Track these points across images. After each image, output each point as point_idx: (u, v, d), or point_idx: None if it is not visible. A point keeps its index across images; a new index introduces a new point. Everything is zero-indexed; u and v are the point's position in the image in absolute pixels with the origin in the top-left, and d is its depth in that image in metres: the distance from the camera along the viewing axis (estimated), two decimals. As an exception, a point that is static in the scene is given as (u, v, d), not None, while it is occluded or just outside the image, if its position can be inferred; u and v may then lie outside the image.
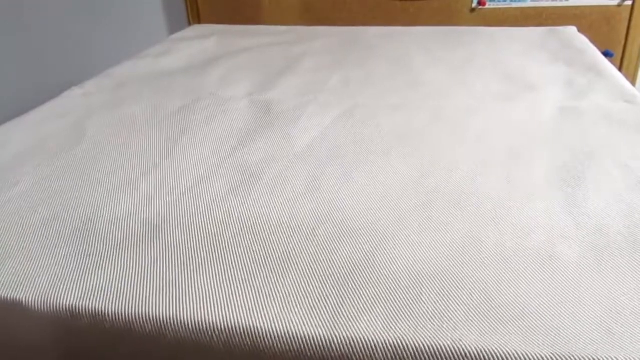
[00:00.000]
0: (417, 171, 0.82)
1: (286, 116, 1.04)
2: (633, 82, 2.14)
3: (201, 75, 1.31)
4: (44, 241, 0.69)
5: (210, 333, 0.54)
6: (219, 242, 0.67)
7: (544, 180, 0.79)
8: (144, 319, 0.56)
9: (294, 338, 0.53)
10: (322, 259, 0.63)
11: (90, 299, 0.58)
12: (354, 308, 0.55)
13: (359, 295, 0.57)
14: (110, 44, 2.05)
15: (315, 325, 0.53)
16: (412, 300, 0.56)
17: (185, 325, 0.55)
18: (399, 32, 1.66)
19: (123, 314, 0.56)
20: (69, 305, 0.58)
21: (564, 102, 1.08)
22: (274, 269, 0.62)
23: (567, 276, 0.59)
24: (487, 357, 0.49)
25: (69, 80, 1.42)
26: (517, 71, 1.27)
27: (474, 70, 1.29)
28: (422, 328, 0.52)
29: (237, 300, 0.57)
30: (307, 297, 0.57)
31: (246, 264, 0.63)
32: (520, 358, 0.49)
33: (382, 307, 0.55)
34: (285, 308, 0.56)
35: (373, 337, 0.52)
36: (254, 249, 0.65)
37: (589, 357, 0.49)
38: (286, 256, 0.64)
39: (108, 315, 0.57)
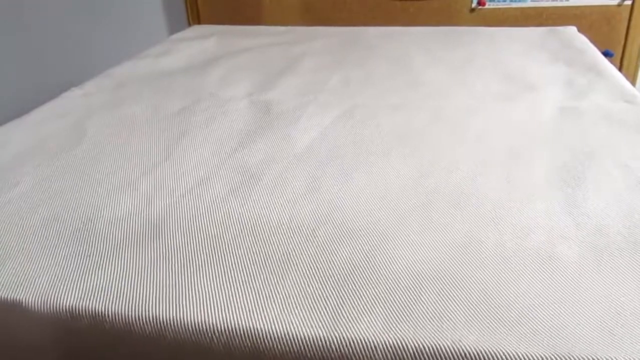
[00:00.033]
0: (417, 171, 0.82)
1: (286, 116, 1.04)
2: (633, 82, 2.14)
3: (201, 76, 1.31)
4: (43, 241, 0.69)
5: (210, 334, 0.54)
6: (219, 243, 0.67)
7: (544, 180, 0.79)
8: (144, 320, 0.56)
9: (294, 339, 0.53)
10: (322, 260, 0.63)
11: (90, 300, 0.58)
12: (354, 309, 0.55)
13: (359, 296, 0.57)
14: (110, 44, 2.05)
15: (315, 326, 0.53)
16: (412, 301, 0.56)
17: (185, 327, 0.55)
18: (398, 32, 1.66)
19: (123, 315, 0.56)
20: (68, 305, 0.58)
21: (564, 102, 1.08)
22: (273, 270, 0.62)
23: (567, 276, 0.59)
24: (486, 358, 0.49)
25: (69, 80, 1.42)
26: (517, 71, 1.27)
27: (473, 70, 1.29)
28: (421, 329, 0.52)
29: (237, 302, 0.57)
30: (307, 298, 0.57)
31: (246, 265, 0.63)
32: (519, 358, 0.49)
33: (382, 308, 0.55)
34: (285, 309, 0.56)
35: (373, 337, 0.52)
36: (254, 250, 0.65)
37: (589, 357, 0.49)
38: (286, 257, 0.64)
39: (108, 316, 0.57)
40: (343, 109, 1.07)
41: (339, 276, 0.60)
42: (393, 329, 0.53)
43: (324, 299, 0.57)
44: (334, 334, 0.52)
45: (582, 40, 1.50)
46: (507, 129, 0.96)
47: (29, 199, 0.78)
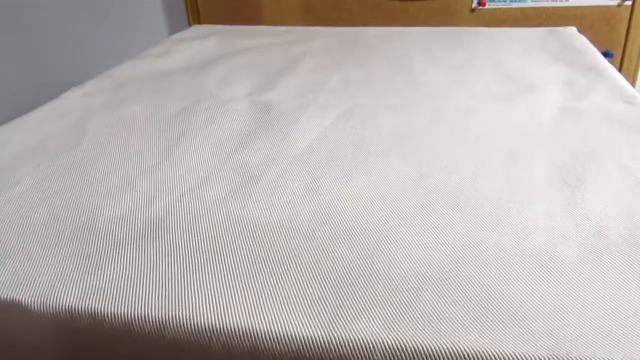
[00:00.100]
0: (417, 172, 0.82)
1: (286, 117, 1.04)
2: (633, 83, 2.14)
3: (201, 76, 1.31)
4: (43, 241, 0.69)
5: (209, 334, 0.54)
6: (219, 243, 0.67)
7: (544, 180, 0.79)
8: (143, 320, 0.56)
9: (292, 339, 0.53)
10: (321, 261, 0.63)
11: (89, 300, 0.58)
12: (353, 309, 0.55)
13: (358, 296, 0.57)
14: (110, 44, 2.05)
15: (314, 327, 0.53)
16: (411, 302, 0.56)
17: (184, 327, 0.55)
18: (398, 32, 1.66)
19: (122, 315, 0.56)
20: (68, 305, 0.58)
21: (564, 103, 1.08)
22: (273, 270, 0.62)
23: (567, 277, 0.59)
24: (485, 359, 0.49)
25: (69, 80, 1.42)
26: (517, 71, 1.27)
27: (473, 70, 1.29)
28: (420, 329, 0.52)
29: (236, 302, 0.57)
30: (306, 298, 0.57)
31: (245, 266, 0.63)
32: (518, 359, 0.49)
33: (380, 308, 0.55)
34: (284, 309, 0.56)
35: (372, 338, 0.52)
36: (254, 251, 0.65)
37: (589, 358, 0.49)
38: (285, 257, 0.64)
39: (107, 316, 0.57)
40: (343, 110, 1.07)
41: (338, 277, 0.60)
42: (392, 329, 0.53)
43: (323, 299, 0.57)
44: (332, 334, 0.53)
45: (582, 41, 1.50)
46: (507, 130, 0.97)
47: (29, 199, 0.78)
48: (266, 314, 0.55)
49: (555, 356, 0.49)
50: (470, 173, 0.82)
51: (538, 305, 0.55)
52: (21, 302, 0.59)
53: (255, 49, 1.53)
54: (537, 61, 1.34)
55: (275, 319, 0.55)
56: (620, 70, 2.11)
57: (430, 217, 0.71)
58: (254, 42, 1.60)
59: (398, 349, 0.51)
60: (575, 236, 0.66)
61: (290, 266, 0.62)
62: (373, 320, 0.54)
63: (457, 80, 1.23)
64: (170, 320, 0.55)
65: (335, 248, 0.65)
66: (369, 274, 0.60)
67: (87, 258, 0.65)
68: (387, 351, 0.51)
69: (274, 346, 0.53)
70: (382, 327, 0.53)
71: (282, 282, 0.60)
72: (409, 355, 0.50)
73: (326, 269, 0.61)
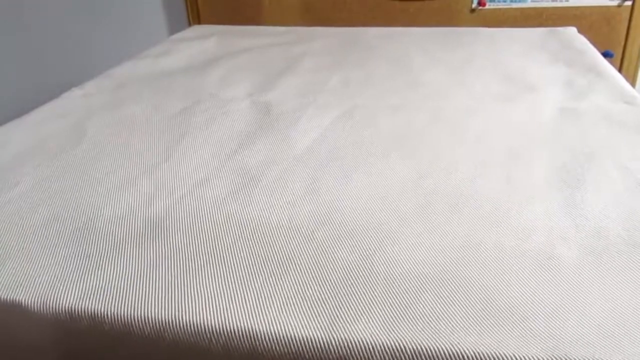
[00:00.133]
0: (417, 172, 0.82)
1: (286, 117, 1.04)
2: (633, 83, 2.14)
3: (201, 76, 1.31)
4: (43, 242, 0.69)
5: (209, 336, 0.54)
6: (218, 244, 0.67)
7: (544, 181, 0.79)
8: (143, 321, 0.56)
9: (292, 341, 0.53)
10: (320, 261, 0.63)
11: (89, 301, 0.58)
12: (352, 310, 0.55)
13: (357, 297, 0.57)
14: (110, 44, 2.05)
15: (314, 328, 0.53)
16: (411, 303, 0.56)
17: (183, 328, 0.55)
18: (398, 32, 1.66)
19: (122, 316, 0.56)
20: (68, 306, 0.58)
21: (564, 103, 1.08)
22: (272, 271, 0.62)
23: (566, 278, 0.59)
24: (485, 360, 0.50)
25: (69, 80, 1.42)
26: (517, 72, 1.27)
27: (473, 70, 1.29)
28: (420, 330, 0.53)
29: (235, 303, 0.57)
30: (305, 299, 0.57)
31: (245, 267, 0.63)
32: (518, 360, 0.49)
33: (380, 310, 0.55)
34: (284, 310, 0.56)
35: (371, 339, 0.52)
36: (253, 251, 0.65)
37: (588, 359, 0.49)
38: (285, 258, 0.64)
39: (107, 317, 0.57)
40: (343, 110, 1.07)
41: (337, 278, 0.60)
42: (391, 330, 0.53)
43: (323, 300, 0.57)
44: (332, 335, 0.53)
45: (582, 41, 1.50)
46: (507, 130, 0.97)
47: (28, 199, 0.78)
48: (266, 315, 0.55)
49: (555, 357, 0.49)
50: (470, 173, 0.82)
51: (538, 306, 0.55)
52: (21, 303, 0.59)
53: (255, 49, 1.53)
54: (537, 61, 1.34)
55: (274, 320, 0.55)
56: (620, 70, 2.11)
57: (430, 217, 0.71)
58: (254, 42, 1.60)
59: (398, 350, 0.51)
60: (575, 237, 0.66)
61: (289, 267, 0.62)
62: (373, 321, 0.54)
63: (457, 81, 1.23)
64: (170, 321, 0.55)
65: (335, 249, 0.65)
66: (368, 274, 0.60)
67: (87, 259, 0.65)
68: (387, 352, 0.51)
69: (274, 347, 0.53)
70: (382, 328, 0.53)
71: (281, 283, 0.60)
72: (409, 356, 0.51)
73: (326, 269, 0.62)
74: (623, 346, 0.50)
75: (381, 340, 0.52)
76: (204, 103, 1.14)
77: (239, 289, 0.59)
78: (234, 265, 0.63)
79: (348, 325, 0.54)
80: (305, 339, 0.53)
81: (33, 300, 0.59)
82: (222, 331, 0.54)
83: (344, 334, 0.53)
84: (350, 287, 0.59)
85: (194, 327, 0.55)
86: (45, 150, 0.94)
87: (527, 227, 0.68)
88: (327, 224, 0.70)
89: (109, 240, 0.68)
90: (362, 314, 0.55)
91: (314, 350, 0.52)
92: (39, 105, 1.15)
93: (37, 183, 0.83)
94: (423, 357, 0.50)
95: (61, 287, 0.60)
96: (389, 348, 0.51)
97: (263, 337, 0.53)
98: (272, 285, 0.60)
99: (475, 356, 0.50)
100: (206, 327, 0.55)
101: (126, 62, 1.45)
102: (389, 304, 0.56)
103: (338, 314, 0.55)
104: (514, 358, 0.49)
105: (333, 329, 0.53)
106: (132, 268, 0.63)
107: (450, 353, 0.50)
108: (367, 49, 1.50)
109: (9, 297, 0.60)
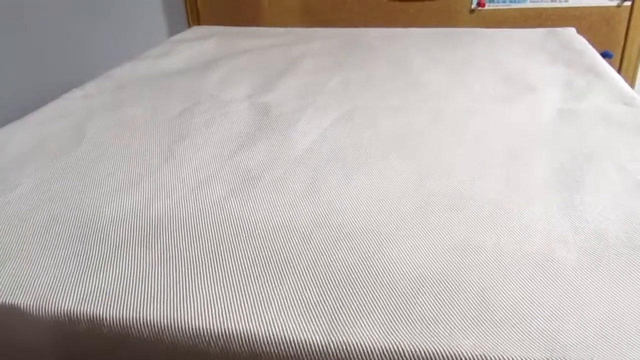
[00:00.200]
0: (416, 174, 0.83)
1: (285, 119, 1.04)
2: (632, 84, 2.14)
3: (201, 77, 1.32)
4: (43, 244, 0.69)
5: (207, 339, 0.54)
6: (218, 246, 0.67)
7: (543, 182, 0.79)
8: (142, 323, 0.56)
9: (290, 343, 0.53)
10: (320, 263, 0.63)
11: (88, 304, 0.58)
12: (351, 313, 0.56)
13: (356, 300, 0.57)
14: (110, 45, 2.05)
15: (313, 331, 0.54)
16: (410, 305, 0.56)
17: (182, 331, 0.55)
18: (398, 33, 1.66)
19: (121, 319, 0.57)
20: (67, 309, 0.58)
21: (563, 104, 1.08)
22: (272, 273, 0.62)
23: (565, 281, 0.59)
24: (484, 362, 0.50)
25: (69, 80, 1.43)
26: (516, 72, 1.27)
27: (473, 71, 1.29)
28: (419, 333, 0.53)
29: (234, 305, 0.57)
30: (304, 302, 0.57)
31: (244, 269, 0.63)
32: (517, 363, 0.49)
33: (379, 312, 0.55)
34: (283, 313, 0.56)
35: (370, 342, 0.52)
36: (252, 253, 0.65)
37: (586, 361, 0.49)
38: (284, 260, 0.64)
39: (106, 320, 0.57)
40: (343, 111, 1.07)
41: (336, 280, 0.60)
42: (390, 333, 0.53)
43: (322, 303, 0.57)
44: (330, 338, 0.53)
45: (581, 42, 1.51)
46: (506, 131, 0.97)
47: (29, 201, 0.79)
48: (264, 317, 0.55)
49: (553, 360, 0.49)
50: (470, 174, 0.82)
51: (536, 309, 0.55)
52: (20, 306, 0.59)
53: (255, 50, 1.53)
54: (537, 62, 1.34)
55: (273, 322, 0.55)
56: (619, 71, 2.11)
57: (429, 219, 0.71)
58: (254, 43, 1.60)
59: (396, 352, 0.51)
60: (574, 239, 0.66)
61: (289, 269, 0.62)
62: (371, 323, 0.54)
63: (457, 81, 1.23)
64: (169, 324, 0.55)
65: (334, 250, 0.65)
66: (367, 276, 0.61)
67: (87, 261, 0.65)
68: (386, 355, 0.51)
69: (272, 350, 0.53)
70: (381, 330, 0.53)
71: (280, 285, 0.60)
72: (407, 359, 0.51)
73: (325, 271, 0.62)
74: (622, 349, 0.50)
75: (380, 342, 0.52)
76: (204, 104, 1.14)
77: (238, 291, 0.59)
78: (232, 267, 0.63)
79: (347, 327, 0.54)
80: (303, 342, 0.53)
81: (32, 302, 0.59)
82: (220, 334, 0.54)
83: (342, 337, 0.53)
84: (349, 289, 0.59)
85: (192, 330, 0.55)
86: (45, 152, 0.94)
87: (527, 229, 0.68)
88: (326, 226, 0.70)
89: (108, 242, 0.69)
90: (361, 317, 0.55)
91: (313, 353, 0.52)
92: (39, 105, 1.16)
93: (37, 184, 0.83)
94: (421, 359, 0.50)
95: (60, 290, 0.60)
96: (387, 351, 0.51)
97: (261, 339, 0.53)
98: (271, 287, 0.60)
99: (474, 359, 0.50)
100: (205, 329, 0.55)
101: (126, 63, 1.46)
102: (387, 306, 0.56)
103: (337, 316, 0.55)
104: (512, 361, 0.49)
105: (332, 331, 0.53)
106: (131, 270, 0.63)
107: (449, 356, 0.50)
108: (366, 50, 1.50)
109: (8, 299, 0.60)
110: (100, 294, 0.60)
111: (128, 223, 0.72)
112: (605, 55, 1.85)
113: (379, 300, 0.57)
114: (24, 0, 1.68)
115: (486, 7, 2.12)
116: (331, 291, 0.59)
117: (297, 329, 0.54)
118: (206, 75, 1.32)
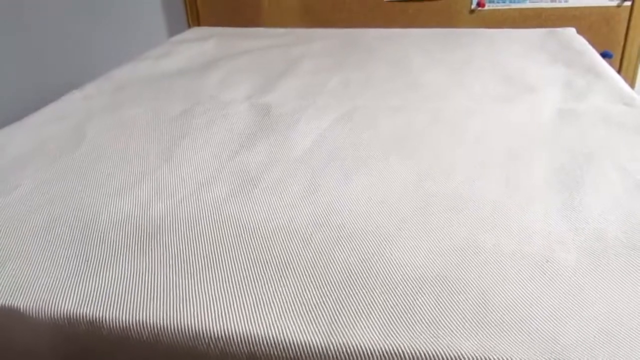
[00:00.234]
0: (416, 174, 0.83)
1: (285, 119, 1.04)
2: (632, 84, 2.14)
3: (201, 78, 1.32)
4: (42, 246, 0.69)
5: (207, 340, 0.54)
6: (217, 247, 0.67)
7: (543, 182, 0.79)
8: (141, 325, 0.56)
9: (290, 345, 0.53)
10: (319, 264, 0.63)
11: (87, 306, 0.58)
12: (351, 314, 0.55)
13: (356, 301, 0.57)
14: (110, 45, 2.06)
15: (312, 332, 0.54)
16: (410, 307, 0.56)
17: (181, 333, 0.55)
18: (398, 34, 1.66)
19: (120, 321, 0.56)
20: (66, 311, 0.58)
21: (563, 104, 1.08)
22: (271, 274, 0.62)
23: (565, 282, 0.59)
24: (483, 364, 0.50)
25: (69, 81, 1.43)
26: (516, 73, 1.27)
27: (472, 71, 1.29)
28: (419, 335, 0.53)
29: (233, 307, 0.57)
30: (304, 303, 0.57)
31: (244, 270, 0.63)
32: (517, 364, 0.49)
33: (379, 314, 0.55)
34: (282, 315, 0.56)
35: (370, 344, 0.52)
36: (252, 255, 0.65)
37: (586, 363, 0.49)
38: (284, 261, 0.64)
39: (105, 322, 0.57)
40: (342, 112, 1.07)
41: (336, 281, 0.60)
42: (390, 335, 0.53)
43: (321, 304, 0.57)
44: (330, 340, 0.53)
45: (581, 42, 1.50)
46: (506, 131, 0.97)
47: (28, 202, 0.78)
48: (264, 319, 0.55)
49: (553, 361, 0.49)
50: (469, 175, 0.82)
51: (537, 310, 0.55)
52: (19, 308, 0.59)
53: (254, 51, 1.53)
54: (536, 62, 1.34)
55: (273, 324, 0.55)
56: (619, 71, 2.11)
57: (429, 220, 0.71)
58: (254, 44, 1.60)
59: (396, 354, 0.51)
60: (574, 240, 0.66)
61: (288, 270, 0.62)
62: (371, 325, 0.54)
63: (457, 82, 1.23)
64: (168, 326, 0.55)
65: (334, 251, 0.65)
66: (367, 278, 0.61)
67: (86, 263, 0.65)
68: (385, 357, 0.51)
69: (272, 352, 0.53)
70: (380, 332, 0.53)
71: (280, 286, 0.60)
72: (407, 360, 0.51)
73: (324, 273, 0.62)
74: (622, 349, 0.50)
75: (380, 344, 0.52)
76: (203, 105, 1.14)
77: (237, 293, 0.59)
78: (232, 268, 0.63)
79: (346, 329, 0.54)
80: (303, 344, 0.53)
81: (31, 304, 0.59)
82: (220, 336, 0.54)
83: (342, 338, 0.53)
84: (349, 291, 0.59)
85: (192, 332, 0.55)
86: (45, 153, 0.94)
87: (526, 229, 0.68)
88: (325, 226, 0.70)
89: (108, 244, 0.68)
90: (360, 318, 0.55)
91: (313, 355, 0.52)
92: (38, 105, 1.16)
93: (37, 186, 0.83)
94: (421, 361, 0.50)
95: (60, 292, 0.60)
96: (387, 352, 0.51)
97: (261, 341, 0.53)
98: (270, 289, 0.60)
99: (474, 360, 0.50)
100: (204, 331, 0.55)
101: (126, 64, 1.46)
102: (387, 307, 0.56)
103: (336, 317, 0.55)
104: (512, 362, 0.49)
105: (331, 333, 0.53)
106: (131, 272, 0.63)
107: (449, 357, 0.50)
108: (366, 51, 1.50)
109: (7, 301, 0.60)
110: (100, 295, 0.60)
111: (128, 224, 0.72)
112: (605, 55, 1.85)
113: (378, 302, 0.57)
114: (24, 0, 1.68)
115: (486, 8, 2.12)
116: (331, 292, 0.59)
117: (296, 330, 0.54)
118: (206, 76, 1.32)
